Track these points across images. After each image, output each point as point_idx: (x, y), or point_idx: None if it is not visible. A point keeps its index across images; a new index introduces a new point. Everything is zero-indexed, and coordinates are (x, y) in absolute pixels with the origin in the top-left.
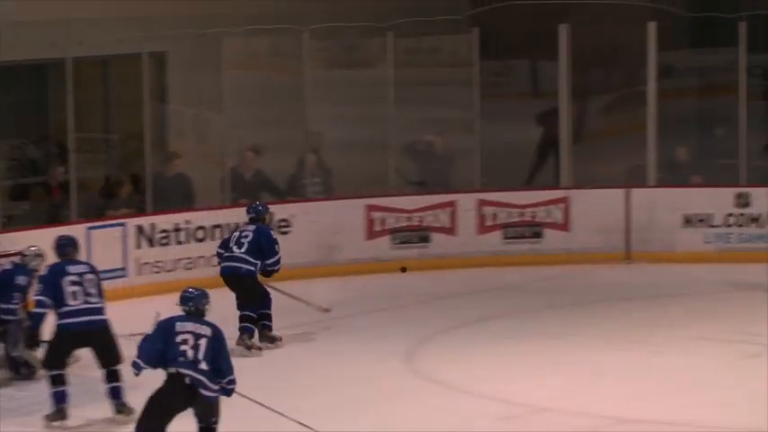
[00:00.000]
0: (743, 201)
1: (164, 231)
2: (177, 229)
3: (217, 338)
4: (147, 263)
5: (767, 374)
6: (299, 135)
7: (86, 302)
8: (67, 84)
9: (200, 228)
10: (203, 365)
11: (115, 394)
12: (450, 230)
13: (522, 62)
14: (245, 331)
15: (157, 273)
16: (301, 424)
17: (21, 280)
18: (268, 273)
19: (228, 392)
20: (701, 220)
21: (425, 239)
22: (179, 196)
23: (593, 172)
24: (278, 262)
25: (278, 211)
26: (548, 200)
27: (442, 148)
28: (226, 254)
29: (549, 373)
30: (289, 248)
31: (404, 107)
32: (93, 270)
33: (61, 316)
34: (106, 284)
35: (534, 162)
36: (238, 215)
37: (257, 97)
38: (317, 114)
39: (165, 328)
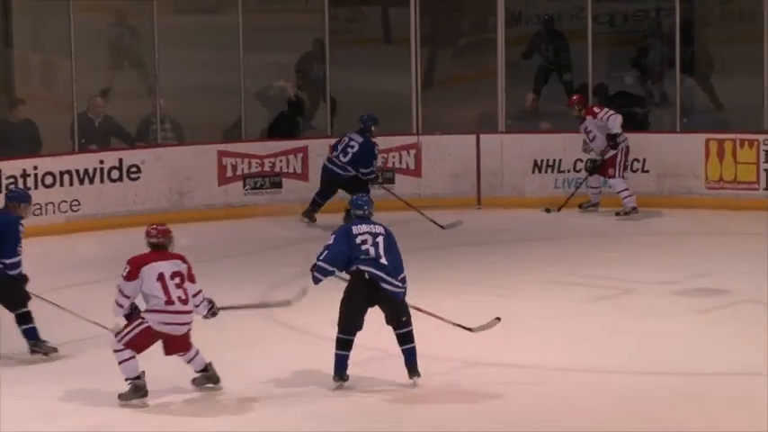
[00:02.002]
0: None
1: (11, 177)
2: (25, 175)
3: (390, 236)
4: None
5: (614, 316)
6: (150, 80)
7: None
8: None
9: (49, 173)
10: (383, 261)
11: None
12: (301, 176)
13: (373, 8)
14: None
15: None
16: None
17: None
18: (363, 181)
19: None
20: (550, 166)
21: (277, 185)
22: (25, 142)
23: (444, 118)
24: (373, 172)
25: (127, 157)
26: (398, 146)
27: (293, 95)
28: (332, 156)
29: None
30: (139, 195)
31: (254, 53)
32: None
33: None
34: None
35: None
36: (87, 161)
37: (107, 42)
38: (167, 60)
39: (346, 234)
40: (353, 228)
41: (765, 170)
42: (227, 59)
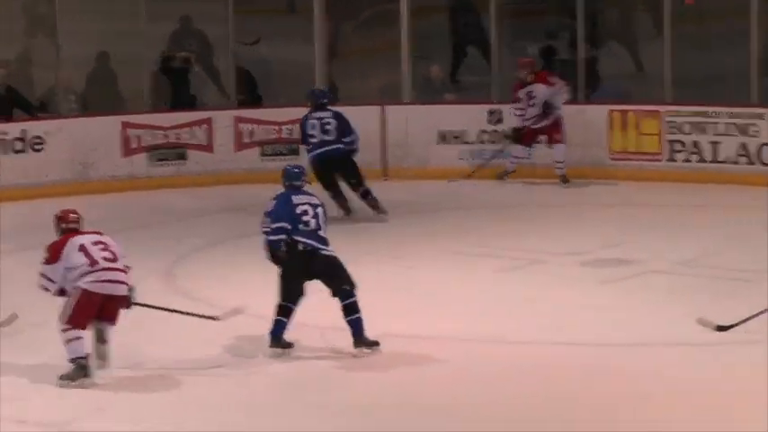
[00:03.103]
0: (495, 117)
1: None
2: None
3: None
4: None
5: (523, 287)
6: (52, 50)
7: None
8: None
9: None
10: (322, 233)
11: None
12: (206, 147)
13: None
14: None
15: None
16: None
17: None
18: (350, 152)
19: None
20: (455, 137)
21: (182, 156)
22: None
23: (349, 89)
24: (357, 140)
25: (31, 128)
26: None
27: (197, 65)
28: (315, 140)
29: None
30: (42, 167)
31: (157, 23)
32: None
33: None
34: None
35: None
36: None
37: (6, 10)
38: (72, 30)
39: (287, 201)
40: (293, 197)
41: (668, 141)
42: (131, 29)
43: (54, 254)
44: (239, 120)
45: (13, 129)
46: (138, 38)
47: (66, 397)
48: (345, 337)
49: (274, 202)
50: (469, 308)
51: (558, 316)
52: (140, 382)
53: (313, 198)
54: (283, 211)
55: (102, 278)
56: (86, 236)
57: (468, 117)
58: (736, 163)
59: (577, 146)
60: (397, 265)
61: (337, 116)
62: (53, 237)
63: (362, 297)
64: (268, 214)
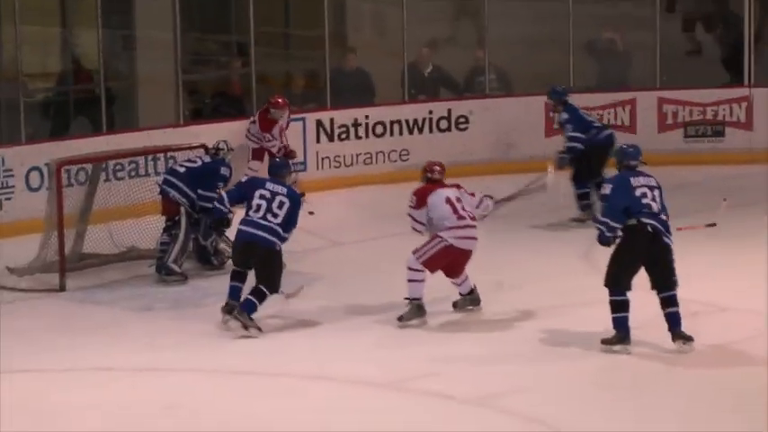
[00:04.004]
0: None
1: (342, 126)
2: (356, 125)
3: (660, 189)
4: (326, 157)
5: None
6: (475, 31)
7: (264, 218)
8: None
9: (379, 123)
10: (664, 216)
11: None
12: (629, 129)
13: None
14: None
15: (337, 167)
16: None
17: (225, 171)
18: None
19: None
20: None
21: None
22: (358, 91)
23: None
24: None
25: (456, 107)
26: (730, 98)
27: (621, 45)
28: None
29: (734, 273)
30: (466, 145)
31: (583, 5)
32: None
33: (241, 222)
34: None
35: None
36: (416, 111)
37: None
38: (497, 11)
39: (625, 185)
40: (631, 179)
41: None
42: (556, 10)
43: (420, 200)
44: (663, 101)
45: (439, 108)
46: (562, 18)
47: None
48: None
49: (610, 186)
50: None
51: None
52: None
53: (649, 179)
54: (618, 200)
55: (464, 235)
56: (449, 189)
57: None
58: None
59: None
60: None
61: None
62: None
63: None
64: (605, 198)
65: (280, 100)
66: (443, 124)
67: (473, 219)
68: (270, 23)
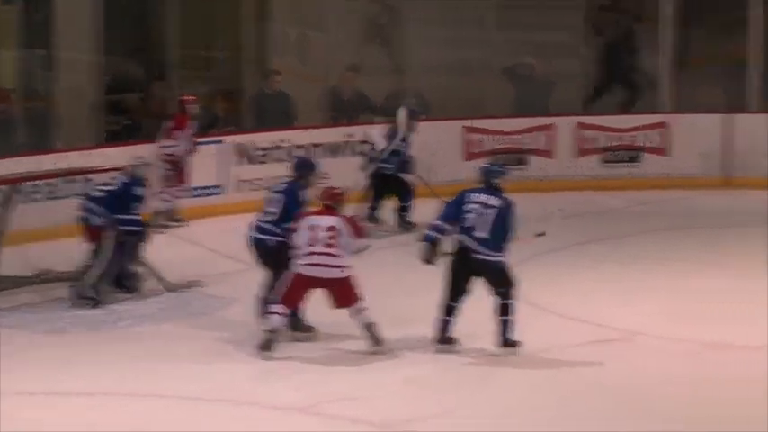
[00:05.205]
0: None
1: (261, 149)
2: (276, 148)
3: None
4: (245, 180)
5: None
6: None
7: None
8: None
9: (300, 146)
10: (482, 233)
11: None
12: (547, 153)
13: None
14: None
15: (255, 190)
16: None
17: (139, 191)
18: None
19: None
20: None
21: (522, 162)
22: (279, 114)
23: (695, 97)
24: None
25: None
26: (647, 124)
27: (541, 72)
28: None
29: (644, 297)
30: None
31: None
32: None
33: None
34: (204, 201)
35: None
36: (335, 134)
37: (362, 19)
38: (415, 37)
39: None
40: (472, 195)
41: None
42: (476, 36)
43: (294, 224)
44: (582, 126)
45: (358, 132)
46: (482, 45)
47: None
48: None
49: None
50: None
51: None
52: None
53: (496, 200)
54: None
55: (312, 262)
56: (326, 218)
57: None
58: None
59: None
60: (739, 277)
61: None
62: None
63: (703, 306)
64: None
65: (189, 97)
66: (363, 148)
67: (330, 246)
68: (191, 46)
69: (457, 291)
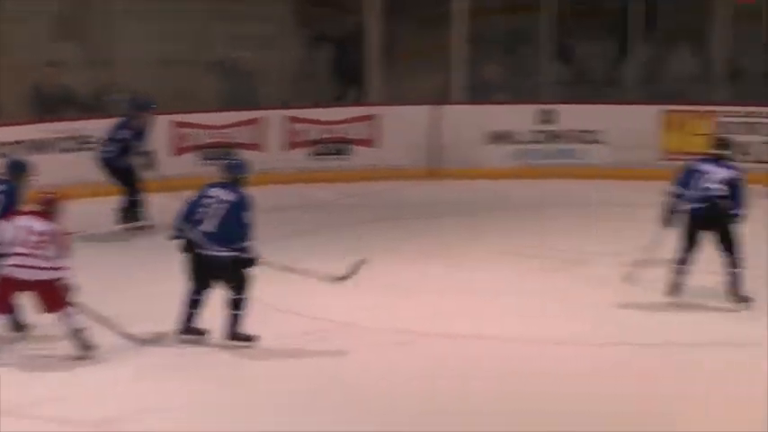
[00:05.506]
0: (546, 117)
1: None
2: None
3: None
4: None
5: (566, 286)
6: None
7: None
8: None
9: (4, 144)
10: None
11: None
12: (256, 146)
13: None
14: None
15: None
16: None
17: None
18: None
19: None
20: (505, 137)
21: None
22: None
23: (403, 89)
24: None
25: (83, 127)
26: (356, 116)
27: (249, 65)
28: None
29: (352, 289)
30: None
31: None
32: None
33: None
34: None
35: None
36: (40, 131)
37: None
38: (123, 30)
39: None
40: (210, 190)
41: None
42: (185, 29)
43: None
44: (291, 119)
45: (65, 128)
46: (192, 37)
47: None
48: None
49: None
50: (514, 308)
51: (608, 316)
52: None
53: (231, 195)
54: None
55: (12, 263)
56: (29, 219)
57: (520, 117)
58: None
59: (628, 147)
60: (445, 265)
61: None
62: None
63: (410, 296)
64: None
65: None
66: (70, 144)
67: (38, 249)
68: None
69: (199, 284)
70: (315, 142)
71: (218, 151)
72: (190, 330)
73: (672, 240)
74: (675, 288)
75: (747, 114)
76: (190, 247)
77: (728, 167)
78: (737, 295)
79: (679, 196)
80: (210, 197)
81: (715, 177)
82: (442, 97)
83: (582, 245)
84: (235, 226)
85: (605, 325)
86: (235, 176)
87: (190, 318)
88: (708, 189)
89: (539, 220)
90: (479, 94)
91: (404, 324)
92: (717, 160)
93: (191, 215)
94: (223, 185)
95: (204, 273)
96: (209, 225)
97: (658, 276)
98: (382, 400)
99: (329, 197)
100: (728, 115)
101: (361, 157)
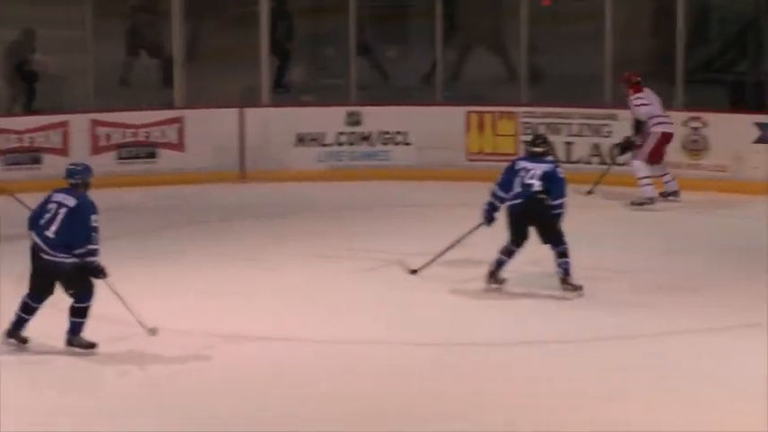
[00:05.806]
0: (353, 119)
1: None
2: None
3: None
4: None
5: (372, 287)
6: None
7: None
8: None
9: None
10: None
11: None
12: (62, 151)
13: None
14: None
15: None
16: None
17: None
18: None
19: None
20: (313, 139)
21: (37, 161)
22: None
23: (208, 91)
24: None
25: None
26: (162, 119)
27: (54, 69)
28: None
29: (163, 292)
30: None
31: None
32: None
33: None
34: None
35: None
36: None
37: None
38: None
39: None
40: (54, 195)
41: (523, 142)
42: None
43: None
44: (96, 123)
45: None
46: None
47: None
48: None
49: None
50: (324, 309)
51: (412, 316)
52: None
53: (69, 200)
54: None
55: None
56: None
57: (327, 119)
58: (588, 163)
59: (435, 148)
60: (255, 268)
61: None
62: None
63: (220, 299)
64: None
65: None
66: None
67: None
68: None
69: (38, 290)
70: (120, 146)
71: (22, 157)
72: (15, 335)
73: (485, 239)
74: (496, 279)
75: (548, 115)
76: (34, 252)
77: (547, 162)
78: (569, 284)
79: (500, 195)
80: (53, 202)
81: (536, 173)
82: (249, 99)
83: (391, 245)
84: (76, 231)
85: (415, 324)
86: (76, 181)
87: (19, 322)
88: (529, 186)
89: (348, 221)
90: (286, 95)
91: (211, 327)
92: (535, 157)
93: (37, 220)
94: (66, 191)
95: (44, 278)
96: (50, 230)
97: (472, 275)
98: (192, 401)
99: (137, 201)
100: (530, 116)
101: (168, 160)
